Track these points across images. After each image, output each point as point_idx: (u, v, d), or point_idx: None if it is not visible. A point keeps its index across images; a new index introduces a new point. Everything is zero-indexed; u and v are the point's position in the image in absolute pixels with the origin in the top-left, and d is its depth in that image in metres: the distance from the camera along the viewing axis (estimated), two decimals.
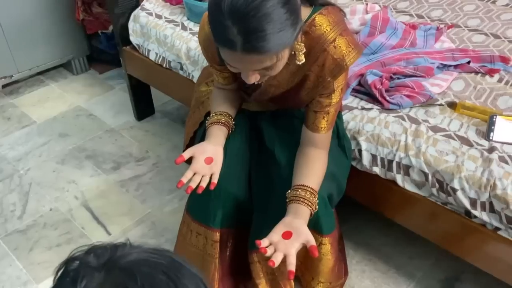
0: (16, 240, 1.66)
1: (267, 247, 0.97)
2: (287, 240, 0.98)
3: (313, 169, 1.10)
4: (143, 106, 2.24)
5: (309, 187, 1.06)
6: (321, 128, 1.10)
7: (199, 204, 1.24)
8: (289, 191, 1.08)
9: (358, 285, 1.49)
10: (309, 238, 0.98)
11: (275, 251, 0.96)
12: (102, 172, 1.94)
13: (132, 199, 1.81)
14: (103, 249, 0.52)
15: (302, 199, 1.05)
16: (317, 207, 1.07)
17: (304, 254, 1.30)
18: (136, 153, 2.04)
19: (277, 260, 0.94)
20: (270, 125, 1.25)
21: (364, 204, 1.46)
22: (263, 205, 1.20)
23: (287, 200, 1.07)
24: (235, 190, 1.21)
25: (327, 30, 1.00)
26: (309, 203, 1.05)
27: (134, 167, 1.96)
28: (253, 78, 0.96)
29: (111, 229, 1.69)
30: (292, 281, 1.25)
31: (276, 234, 0.99)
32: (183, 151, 1.13)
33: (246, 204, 1.24)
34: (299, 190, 1.06)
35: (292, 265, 0.94)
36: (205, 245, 1.24)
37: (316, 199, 1.07)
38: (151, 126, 2.21)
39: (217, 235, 1.22)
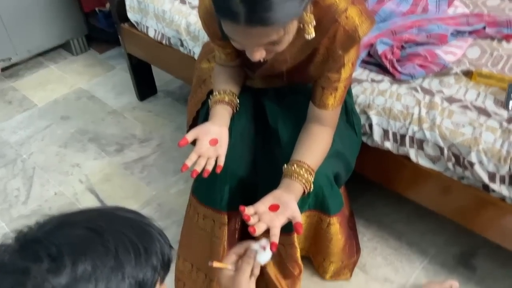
0: (21, 226, 1.63)
1: (251, 215, 0.91)
2: (273, 212, 0.93)
3: (314, 147, 1.04)
4: (145, 86, 2.18)
5: (305, 163, 1.01)
6: (329, 104, 1.04)
7: (205, 187, 1.19)
8: (285, 165, 1.03)
9: (370, 262, 1.45)
10: (295, 214, 0.93)
11: (259, 221, 0.91)
12: (106, 154, 1.90)
13: (137, 182, 1.77)
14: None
15: (296, 175, 1.00)
16: (312, 186, 1.02)
17: (313, 235, 1.27)
18: (140, 135, 2.00)
19: (259, 229, 0.89)
20: (273, 103, 1.19)
21: (376, 181, 1.41)
22: (268, 186, 1.15)
23: (282, 174, 1.02)
24: (241, 171, 1.16)
25: None
26: (303, 180, 1.00)
27: (138, 148, 1.92)
28: (258, 55, 0.89)
29: None
30: (301, 263, 1.22)
31: (263, 204, 0.94)
32: (187, 132, 1.08)
33: (253, 185, 1.19)
34: (295, 166, 1.01)
35: (275, 237, 0.88)
36: (213, 227, 1.21)
37: (312, 177, 1.01)
38: (153, 106, 2.15)
39: (225, 218, 1.18)
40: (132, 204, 1.68)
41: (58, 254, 0.47)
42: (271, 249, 0.84)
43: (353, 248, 1.38)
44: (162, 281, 0.55)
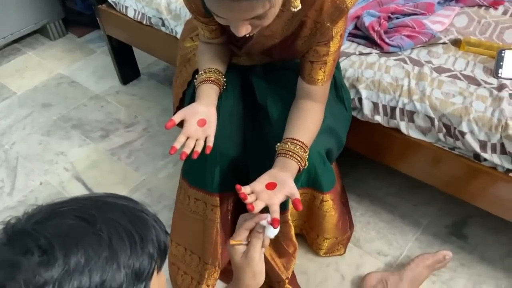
0: (9, 217, 1.59)
1: (248, 194, 0.89)
2: (270, 190, 0.91)
3: (306, 123, 1.02)
4: (127, 69, 2.13)
5: (299, 141, 0.99)
6: (318, 80, 1.02)
7: (195, 169, 1.17)
8: (279, 144, 1.01)
9: (364, 237, 1.45)
10: (293, 191, 0.91)
11: (256, 199, 0.89)
12: (90, 141, 1.86)
13: (125, 167, 1.74)
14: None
15: (290, 153, 0.97)
16: (307, 163, 1.00)
17: (307, 213, 1.26)
18: (125, 119, 1.95)
19: (257, 207, 0.87)
20: (261, 80, 1.16)
21: (367, 155, 1.40)
22: (259, 166, 1.13)
23: (276, 153, 1.00)
24: (231, 151, 1.14)
25: None
26: (298, 158, 0.97)
27: (124, 133, 1.88)
28: (244, 30, 0.86)
29: None
30: (295, 241, 1.21)
31: (259, 183, 0.92)
32: (174, 114, 1.05)
33: (244, 166, 1.17)
34: (289, 143, 0.99)
35: (276, 213, 0.86)
36: (205, 210, 1.19)
37: (306, 154, 1.00)
38: (137, 90, 2.10)
39: (216, 200, 1.16)
40: (121, 190, 1.65)
41: (49, 246, 0.45)
42: (273, 226, 0.84)
43: (347, 223, 1.38)
44: (159, 269, 0.53)
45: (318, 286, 1.34)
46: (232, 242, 0.83)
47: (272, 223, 0.85)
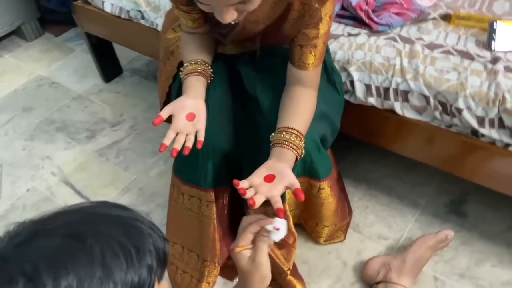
0: None
1: (247, 189, 0.86)
2: (269, 183, 0.87)
3: (299, 110, 0.98)
4: (109, 66, 2.06)
5: (294, 129, 0.95)
6: (309, 64, 0.98)
7: (187, 165, 1.13)
8: (273, 134, 0.97)
9: (363, 222, 1.43)
10: (292, 181, 0.87)
11: (256, 194, 0.85)
12: (76, 143, 1.80)
13: (114, 168, 1.69)
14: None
15: (286, 143, 0.93)
16: (303, 151, 0.97)
17: (304, 202, 1.22)
18: (110, 118, 1.90)
19: (257, 201, 0.84)
20: (249, 68, 1.12)
21: (361, 139, 1.38)
22: (252, 158, 1.10)
23: (270, 143, 0.96)
24: (223, 145, 1.10)
25: None
26: (294, 147, 0.94)
27: (110, 133, 1.83)
28: (229, 16, 0.81)
29: None
30: (294, 231, 1.18)
31: (257, 177, 0.88)
32: (161, 109, 1.01)
33: (237, 158, 1.13)
34: (283, 133, 0.95)
35: (278, 203, 0.83)
36: (200, 206, 1.15)
37: (302, 142, 0.96)
38: (121, 87, 2.04)
39: (211, 195, 1.12)
40: (111, 192, 1.60)
41: (35, 272, 0.40)
42: (278, 215, 0.80)
43: (345, 209, 1.35)
44: (160, 278, 0.49)
45: (320, 275, 1.32)
46: (237, 249, 0.79)
47: (278, 212, 0.81)
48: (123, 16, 1.63)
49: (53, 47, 2.34)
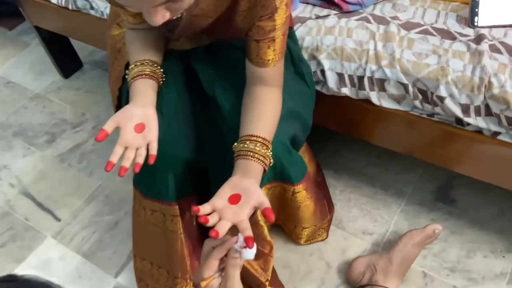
0: None
1: (208, 214, 0.74)
2: (234, 205, 0.75)
3: (263, 114, 0.86)
4: (67, 60, 1.91)
5: (259, 137, 0.83)
6: (268, 60, 0.85)
7: (146, 178, 1.01)
8: (236, 143, 0.85)
9: (346, 216, 1.34)
10: (261, 199, 0.76)
11: (220, 219, 0.73)
12: (35, 149, 1.67)
13: (77, 174, 1.56)
14: None
15: (251, 153, 0.81)
16: (271, 160, 0.85)
17: (279, 206, 1.13)
18: (71, 118, 1.76)
19: (222, 229, 0.71)
20: (206, 65, 0.99)
21: (339, 131, 1.27)
22: (217, 165, 0.99)
23: (234, 155, 0.84)
24: (183, 152, 0.98)
25: None
26: (261, 157, 0.82)
27: (72, 135, 1.69)
28: (160, 18, 0.68)
29: (59, 213, 1.46)
30: (270, 239, 1.08)
31: (221, 198, 0.76)
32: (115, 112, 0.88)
33: (201, 166, 1.02)
34: (247, 142, 0.83)
35: (247, 230, 0.71)
36: (165, 221, 1.04)
37: (269, 151, 0.84)
38: (82, 82, 1.90)
39: (175, 209, 1.01)
40: (75, 201, 1.48)
41: None
42: (247, 246, 0.69)
43: (325, 207, 1.25)
44: None
45: (303, 279, 1.23)
46: (203, 284, 0.68)
47: (247, 242, 0.70)
48: (70, 7, 1.47)
49: (6, 42, 2.17)
